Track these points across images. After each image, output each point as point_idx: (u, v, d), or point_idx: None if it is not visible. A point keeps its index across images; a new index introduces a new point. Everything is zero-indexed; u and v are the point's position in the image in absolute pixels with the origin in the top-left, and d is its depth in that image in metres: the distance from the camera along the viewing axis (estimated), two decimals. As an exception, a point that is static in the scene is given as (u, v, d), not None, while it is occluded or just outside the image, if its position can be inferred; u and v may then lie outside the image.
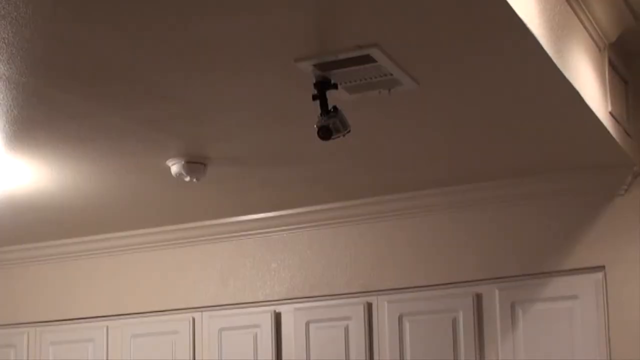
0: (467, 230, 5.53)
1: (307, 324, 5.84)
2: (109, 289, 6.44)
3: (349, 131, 3.92)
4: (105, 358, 6.40)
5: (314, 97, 3.83)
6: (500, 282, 5.43)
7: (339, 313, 5.78)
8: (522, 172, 5.29)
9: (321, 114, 3.83)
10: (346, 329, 5.73)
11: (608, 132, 4.64)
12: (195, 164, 4.91)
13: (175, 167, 4.92)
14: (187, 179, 4.94)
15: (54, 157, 4.80)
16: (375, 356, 5.65)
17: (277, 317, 5.95)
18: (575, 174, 5.24)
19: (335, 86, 3.85)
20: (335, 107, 3.85)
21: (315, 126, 3.84)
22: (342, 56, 3.67)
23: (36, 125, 4.36)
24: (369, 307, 5.71)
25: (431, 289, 5.58)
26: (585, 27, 4.42)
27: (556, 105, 4.33)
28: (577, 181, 5.27)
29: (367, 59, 3.69)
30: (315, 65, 3.72)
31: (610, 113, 4.71)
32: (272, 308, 5.97)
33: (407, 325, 5.60)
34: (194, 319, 6.17)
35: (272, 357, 5.88)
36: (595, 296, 5.21)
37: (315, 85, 3.82)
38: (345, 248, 5.84)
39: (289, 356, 5.87)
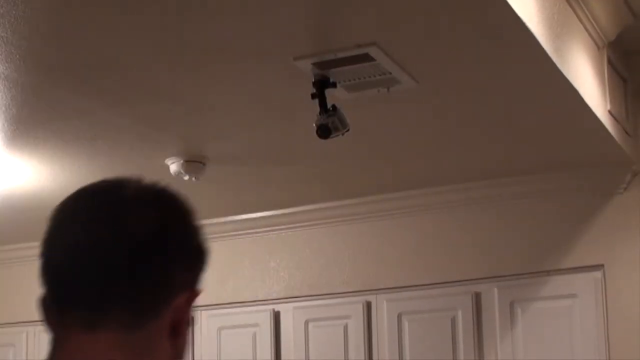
0: (466, 229, 5.53)
1: (306, 323, 5.84)
2: (108, 288, 6.43)
3: (348, 130, 3.92)
4: (104, 357, 6.39)
5: (313, 96, 3.83)
6: (500, 281, 5.42)
7: (338, 312, 5.77)
8: (521, 171, 5.28)
9: (320, 113, 3.83)
10: (345, 328, 5.73)
11: (607, 130, 4.63)
12: (194, 162, 4.90)
13: (174, 166, 4.92)
14: (186, 177, 4.94)
15: (53, 155, 4.80)
16: (375, 355, 5.65)
17: (276, 316, 5.94)
18: (574, 173, 5.24)
19: (334, 85, 3.85)
20: (334, 106, 3.85)
21: (314, 125, 3.84)
22: (341, 55, 3.67)
23: (35, 123, 4.35)
24: (368, 305, 5.70)
25: (430, 288, 5.58)
26: (584, 26, 4.42)
27: (555, 103, 4.32)
28: (576, 180, 5.26)
29: (366, 58, 3.69)
30: (314, 64, 3.72)
31: (609, 111, 4.71)
32: (271, 307, 5.96)
33: (406, 324, 5.59)
34: (192, 318, 6.16)
35: (271, 356, 5.88)
36: (594, 295, 5.21)
37: (314, 83, 3.81)
38: (344, 247, 5.83)
39: (288, 355, 5.87)
